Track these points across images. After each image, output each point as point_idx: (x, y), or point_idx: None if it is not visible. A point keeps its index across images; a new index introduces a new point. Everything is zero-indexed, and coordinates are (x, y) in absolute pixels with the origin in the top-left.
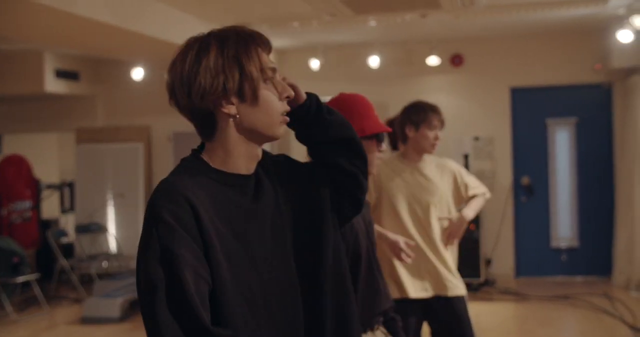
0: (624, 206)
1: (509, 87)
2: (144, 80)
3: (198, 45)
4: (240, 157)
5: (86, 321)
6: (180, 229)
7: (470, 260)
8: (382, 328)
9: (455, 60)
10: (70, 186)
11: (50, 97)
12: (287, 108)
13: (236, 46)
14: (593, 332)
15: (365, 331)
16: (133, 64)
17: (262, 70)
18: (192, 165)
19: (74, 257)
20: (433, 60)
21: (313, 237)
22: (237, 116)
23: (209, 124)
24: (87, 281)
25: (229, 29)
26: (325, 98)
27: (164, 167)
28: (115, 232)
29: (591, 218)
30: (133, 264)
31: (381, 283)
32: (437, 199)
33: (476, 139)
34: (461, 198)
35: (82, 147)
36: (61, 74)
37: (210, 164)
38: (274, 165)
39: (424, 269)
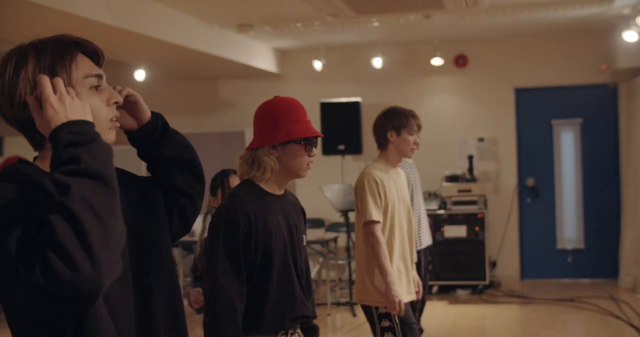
0: (630, 206)
1: (513, 87)
2: (146, 82)
3: (17, 56)
4: None
5: None
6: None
7: (475, 262)
8: (299, 333)
9: (459, 61)
10: None
11: None
12: (116, 114)
13: (53, 55)
14: (599, 335)
15: (276, 334)
16: (135, 65)
17: (85, 77)
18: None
19: None
20: (437, 61)
21: (147, 243)
22: None
23: (35, 134)
24: None
25: (49, 38)
26: (327, 100)
27: None
28: None
29: (597, 219)
30: None
31: (299, 290)
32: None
33: (480, 140)
34: None
35: None
36: None
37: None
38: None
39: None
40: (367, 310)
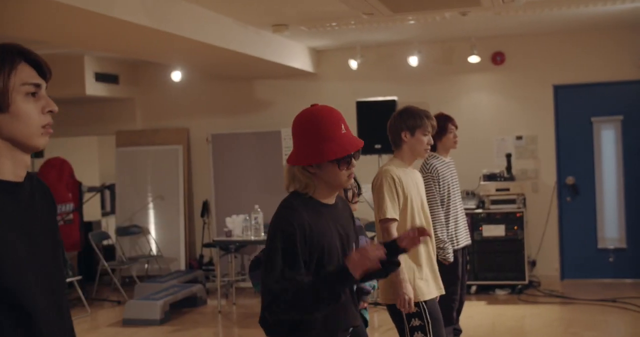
0: None
1: (552, 84)
2: (182, 82)
3: None
4: (7, 162)
5: (127, 323)
6: None
7: (513, 261)
8: None
9: (497, 58)
10: (111, 188)
11: (90, 100)
12: (49, 121)
13: None
14: None
15: None
16: (171, 66)
17: (22, 84)
18: None
19: (115, 259)
20: (474, 59)
21: (52, 249)
22: None
23: None
24: (128, 283)
25: None
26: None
27: (204, 168)
28: (155, 235)
29: (639, 218)
30: (174, 267)
31: (350, 299)
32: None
33: (519, 138)
34: None
35: (121, 150)
36: (101, 77)
37: None
38: (42, 188)
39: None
40: (393, 309)
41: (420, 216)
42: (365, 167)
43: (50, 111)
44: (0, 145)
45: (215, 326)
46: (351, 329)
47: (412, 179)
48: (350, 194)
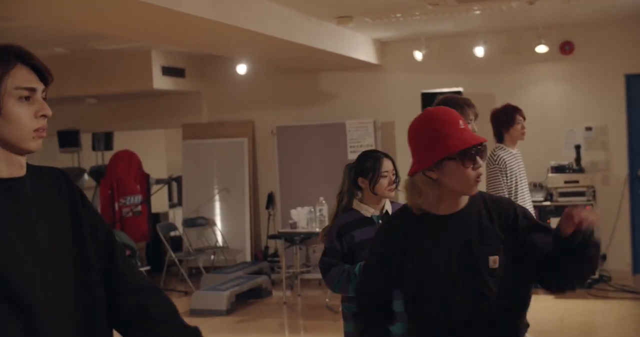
0: None
1: (623, 74)
2: (247, 75)
3: None
4: (1, 163)
5: (194, 313)
6: None
7: None
8: None
9: (565, 48)
10: (178, 180)
11: (157, 94)
12: (42, 125)
13: None
14: None
15: None
16: (236, 59)
17: (15, 88)
18: None
19: (182, 250)
20: (541, 48)
21: (61, 243)
22: None
23: None
24: (194, 274)
25: None
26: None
27: (269, 160)
28: (221, 226)
29: None
30: (240, 258)
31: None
32: None
33: (588, 129)
34: None
35: (188, 142)
36: (168, 71)
37: None
38: (54, 178)
39: None
40: None
41: None
42: None
43: (44, 115)
44: None
45: (280, 317)
46: None
47: None
48: (386, 181)
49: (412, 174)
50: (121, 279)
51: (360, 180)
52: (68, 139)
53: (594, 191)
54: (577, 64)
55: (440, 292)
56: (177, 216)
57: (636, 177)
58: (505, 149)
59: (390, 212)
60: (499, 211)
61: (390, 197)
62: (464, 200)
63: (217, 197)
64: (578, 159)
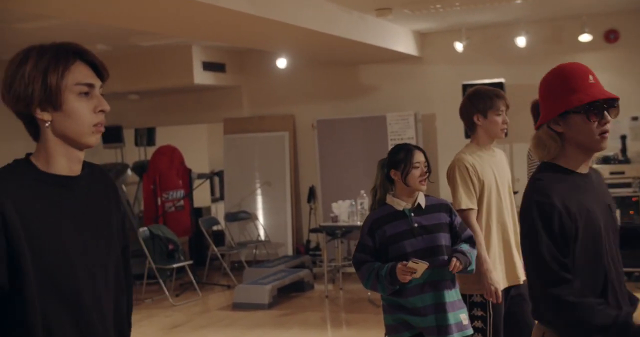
0: None
1: None
2: (287, 69)
3: (22, 56)
4: (61, 159)
5: (237, 307)
6: None
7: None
8: None
9: (610, 36)
10: (220, 175)
11: (198, 89)
12: (101, 120)
13: (49, 60)
14: None
15: None
16: (276, 53)
17: (75, 84)
18: (17, 168)
19: (224, 244)
20: (585, 37)
21: (106, 241)
22: (50, 122)
23: (30, 126)
24: (237, 268)
25: (53, 44)
26: (470, 81)
27: (310, 154)
28: (263, 220)
29: None
30: (282, 252)
31: (614, 279)
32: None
33: (634, 119)
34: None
35: (229, 137)
36: (208, 66)
37: (37, 165)
38: (104, 178)
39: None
40: (465, 299)
41: (505, 199)
42: None
43: (102, 110)
44: (54, 142)
45: (322, 311)
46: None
47: (491, 163)
48: (418, 171)
49: (538, 127)
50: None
51: (392, 172)
52: (111, 135)
53: None
54: (622, 53)
55: (604, 250)
56: (219, 210)
57: None
58: None
59: (423, 205)
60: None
61: (422, 189)
62: (591, 163)
63: (258, 191)
64: (624, 150)
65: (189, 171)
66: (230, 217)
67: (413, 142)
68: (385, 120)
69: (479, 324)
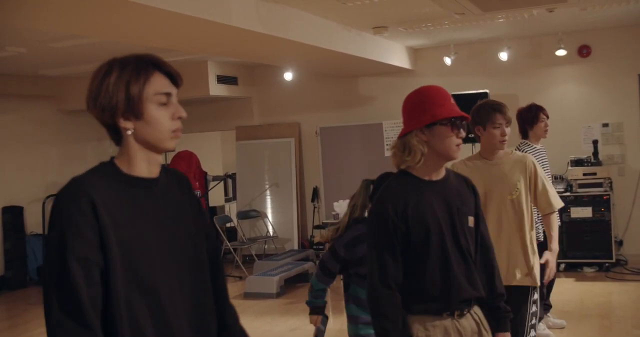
0: None
1: (637, 74)
2: (293, 82)
3: (106, 68)
4: (142, 162)
5: (248, 296)
6: (78, 224)
7: (601, 241)
8: (474, 314)
9: (583, 51)
10: (232, 177)
11: (213, 100)
12: (178, 126)
13: (131, 73)
14: None
15: (440, 314)
16: (283, 67)
17: (155, 94)
18: (104, 169)
19: (237, 240)
20: (561, 52)
21: (184, 238)
22: (132, 130)
23: (114, 133)
24: (248, 261)
25: (134, 56)
26: (458, 92)
27: (313, 158)
28: (272, 218)
29: None
30: (288, 246)
31: (459, 273)
32: (514, 192)
33: (605, 125)
34: (534, 199)
35: (241, 143)
36: (222, 79)
37: (120, 167)
38: (178, 179)
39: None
40: (516, 293)
41: (506, 206)
42: (460, 155)
43: (180, 117)
44: (136, 147)
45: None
46: (470, 301)
47: (485, 173)
48: None
49: (402, 135)
50: (216, 286)
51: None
52: None
53: (611, 182)
54: (594, 66)
55: (440, 248)
56: (232, 209)
57: None
58: (529, 145)
59: None
60: (466, 184)
61: None
62: (443, 171)
63: (267, 192)
64: (596, 153)
65: (205, 173)
66: (242, 215)
67: None
68: (382, 127)
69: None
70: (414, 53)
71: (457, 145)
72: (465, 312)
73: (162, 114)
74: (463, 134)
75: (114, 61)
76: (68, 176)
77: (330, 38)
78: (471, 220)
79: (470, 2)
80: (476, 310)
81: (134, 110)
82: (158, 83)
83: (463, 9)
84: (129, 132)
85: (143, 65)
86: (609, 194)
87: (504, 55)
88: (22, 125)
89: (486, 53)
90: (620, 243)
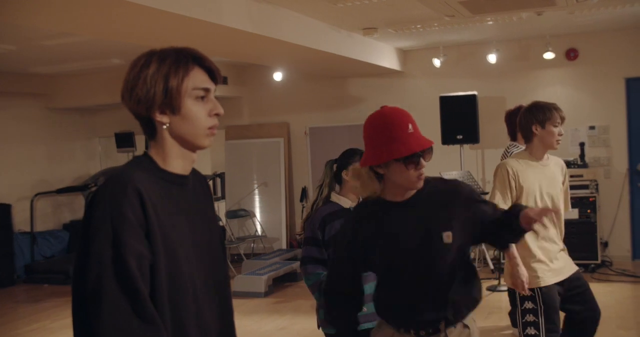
0: None
1: (623, 77)
2: (283, 82)
3: (144, 60)
4: (177, 159)
5: (236, 295)
6: (131, 219)
7: (587, 242)
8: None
9: (570, 54)
10: (221, 176)
11: None
12: (215, 123)
13: (170, 66)
14: None
15: (403, 329)
16: (273, 67)
17: (193, 89)
18: (143, 163)
19: (226, 239)
20: (548, 55)
21: (211, 235)
22: (168, 124)
23: (148, 127)
24: (236, 260)
25: (174, 49)
26: (446, 94)
27: (302, 158)
28: (260, 217)
29: None
30: (277, 246)
31: (421, 295)
32: (559, 192)
33: (591, 128)
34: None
35: (230, 142)
36: None
37: (157, 162)
38: (199, 179)
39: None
40: (510, 292)
41: (557, 206)
42: (448, 156)
43: (217, 114)
44: (171, 143)
45: (312, 299)
46: (434, 323)
47: (539, 173)
48: None
49: (362, 166)
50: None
51: (344, 173)
52: (124, 140)
53: (597, 184)
54: (581, 69)
55: (406, 269)
56: (220, 208)
57: (635, 172)
58: (518, 146)
59: None
60: (447, 192)
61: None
62: (413, 191)
63: (256, 191)
64: (582, 156)
65: None
66: (231, 214)
67: None
68: None
69: (530, 317)
70: (404, 54)
71: (418, 176)
72: (431, 332)
73: (199, 110)
74: (424, 164)
75: (153, 53)
76: (56, 174)
77: (320, 39)
78: (447, 236)
79: (460, 5)
80: (451, 330)
81: (171, 104)
82: (197, 78)
83: (453, 11)
84: (165, 127)
85: (183, 58)
86: (595, 196)
87: (492, 58)
88: (10, 123)
89: (475, 55)
90: (605, 244)
